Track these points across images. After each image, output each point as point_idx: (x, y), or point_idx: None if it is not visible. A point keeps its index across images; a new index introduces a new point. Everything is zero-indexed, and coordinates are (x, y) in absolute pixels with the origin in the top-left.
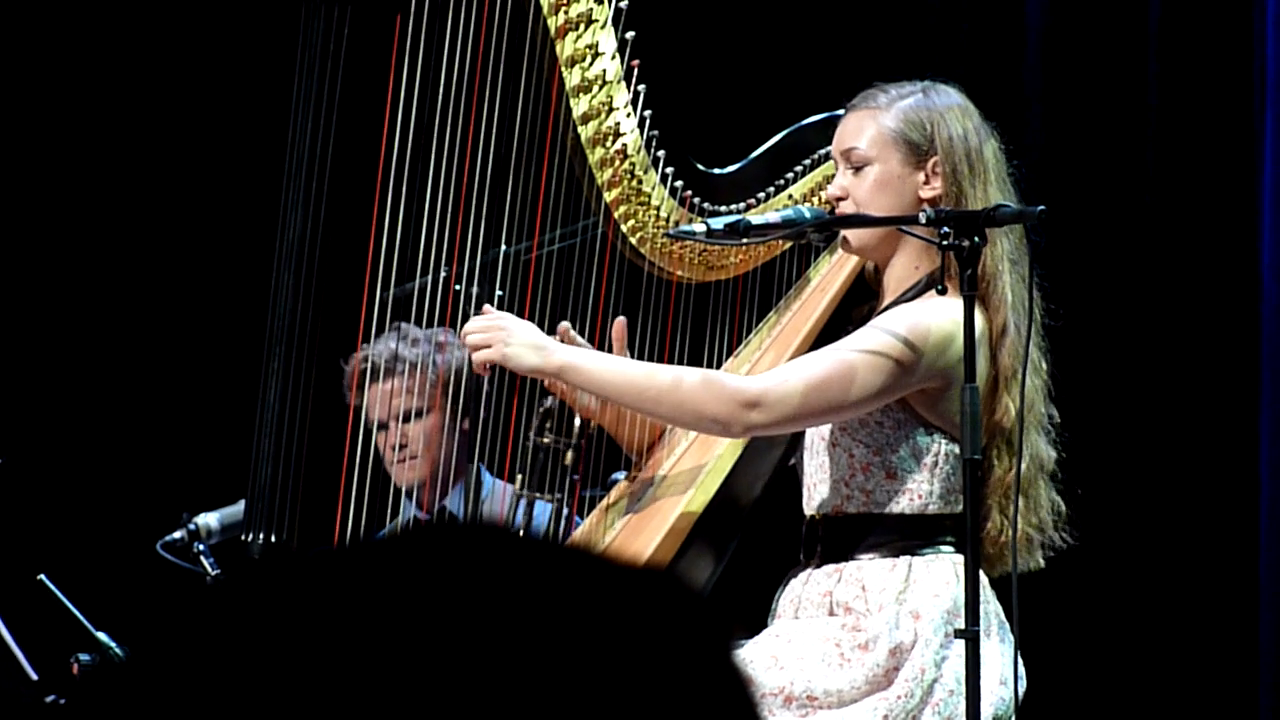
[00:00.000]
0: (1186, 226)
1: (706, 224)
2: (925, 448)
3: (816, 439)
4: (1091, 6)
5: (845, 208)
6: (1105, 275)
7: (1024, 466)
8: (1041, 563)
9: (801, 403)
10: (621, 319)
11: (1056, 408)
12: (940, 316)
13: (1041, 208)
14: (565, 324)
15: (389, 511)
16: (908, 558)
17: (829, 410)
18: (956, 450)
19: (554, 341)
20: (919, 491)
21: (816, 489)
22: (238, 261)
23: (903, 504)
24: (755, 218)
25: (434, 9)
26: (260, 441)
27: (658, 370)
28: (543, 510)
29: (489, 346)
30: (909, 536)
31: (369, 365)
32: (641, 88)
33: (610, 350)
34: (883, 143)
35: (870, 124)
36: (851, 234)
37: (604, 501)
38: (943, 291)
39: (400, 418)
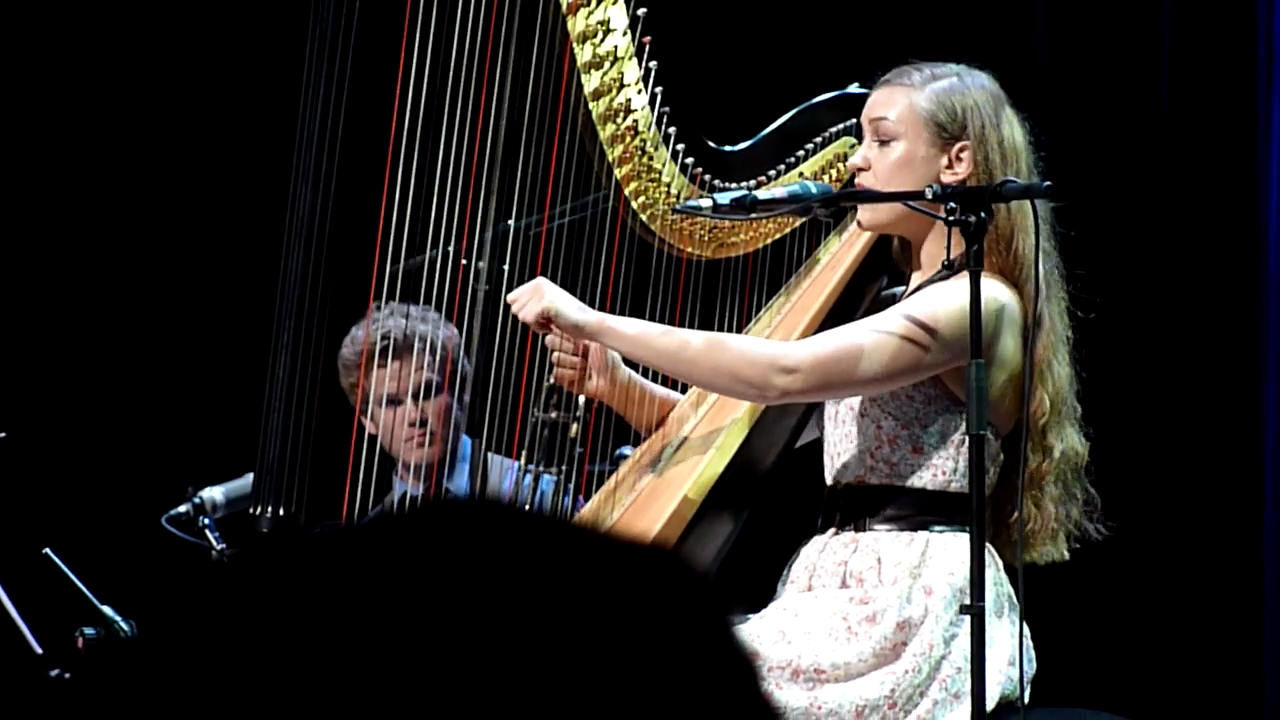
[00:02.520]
0: (1192, 220)
1: (713, 199)
2: (953, 425)
3: (844, 408)
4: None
5: (865, 178)
6: (1110, 267)
7: (1056, 457)
8: (1066, 554)
9: (837, 371)
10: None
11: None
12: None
13: (1049, 183)
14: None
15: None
16: (926, 533)
17: (862, 382)
18: (987, 433)
19: (582, 304)
20: (943, 468)
21: (840, 458)
22: (247, 237)
23: (925, 479)
24: (762, 193)
25: None
26: (269, 415)
27: (693, 333)
28: (548, 485)
29: (533, 300)
30: (929, 512)
31: (389, 340)
32: (653, 64)
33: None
34: (912, 120)
35: (903, 99)
36: (862, 208)
37: (612, 478)
38: (949, 266)
39: (420, 394)
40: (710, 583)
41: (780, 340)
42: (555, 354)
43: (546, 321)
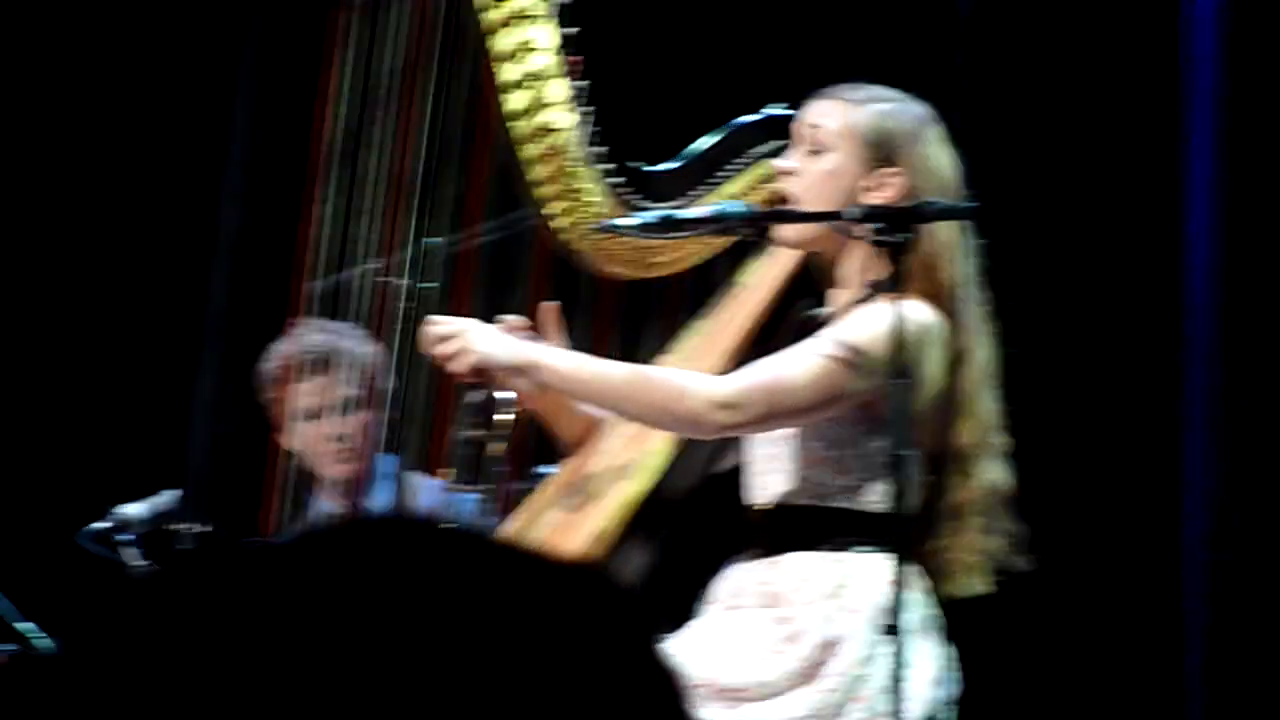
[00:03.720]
0: (1117, 257)
1: (637, 218)
2: (878, 447)
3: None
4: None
5: (789, 184)
6: (1040, 302)
7: (979, 487)
8: (987, 587)
9: (774, 404)
10: (555, 304)
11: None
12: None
13: (973, 203)
14: (555, 304)
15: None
16: (849, 554)
17: (798, 413)
18: (908, 453)
19: (510, 339)
20: (868, 489)
21: (764, 478)
22: (173, 252)
23: (850, 500)
24: (685, 212)
25: (370, 3)
26: (192, 431)
27: (627, 368)
28: (470, 504)
29: (461, 353)
30: (853, 533)
31: (313, 356)
32: (580, 84)
33: (543, 335)
34: (848, 134)
35: (841, 112)
36: (783, 226)
37: (534, 496)
38: (876, 287)
39: (341, 410)
40: (634, 599)
41: (704, 364)
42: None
43: (480, 372)
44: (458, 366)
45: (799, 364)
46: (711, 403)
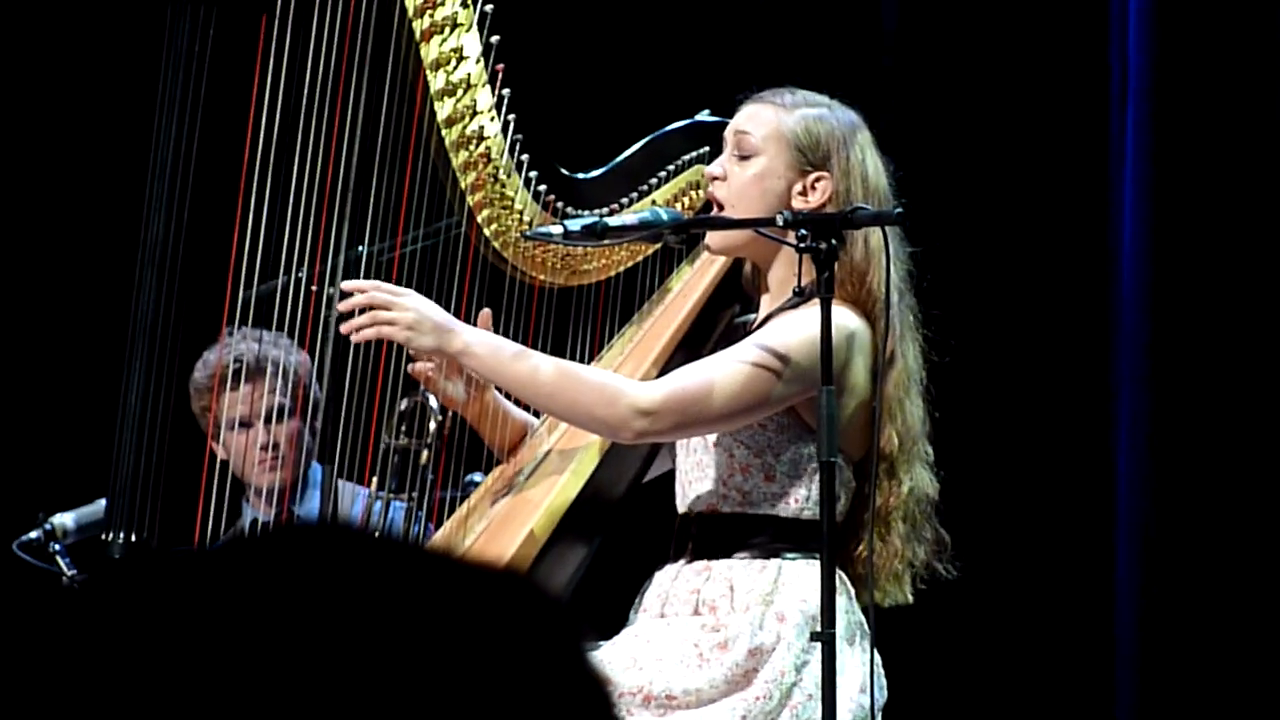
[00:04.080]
0: (1044, 263)
1: (565, 225)
2: (805, 453)
3: (696, 438)
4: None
5: (718, 189)
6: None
7: (904, 494)
8: (910, 597)
9: (693, 411)
10: (487, 310)
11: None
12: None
13: (899, 210)
14: (488, 311)
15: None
16: (778, 560)
17: (717, 420)
18: (839, 460)
19: (455, 321)
20: (796, 496)
21: (692, 486)
22: (100, 259)
23: (778, 507)
24: (613, 220)
25: (299, 10)
26: (121, 440)
27: (556, 365)
28: (398, 512)
29: (391, 324)
30: (782, 540)
31: (241, 364)
32: (506, 91)
33: None
34: (777, 139)
35: (770, 117)
36: (712, 233)
37: (464, 504)
38: (800, 293)
39: (272, 418)
40: (562, 607)
41: (632, 370)
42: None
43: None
44: (369, 333)
45: (719, 370)
46: (631, 408)
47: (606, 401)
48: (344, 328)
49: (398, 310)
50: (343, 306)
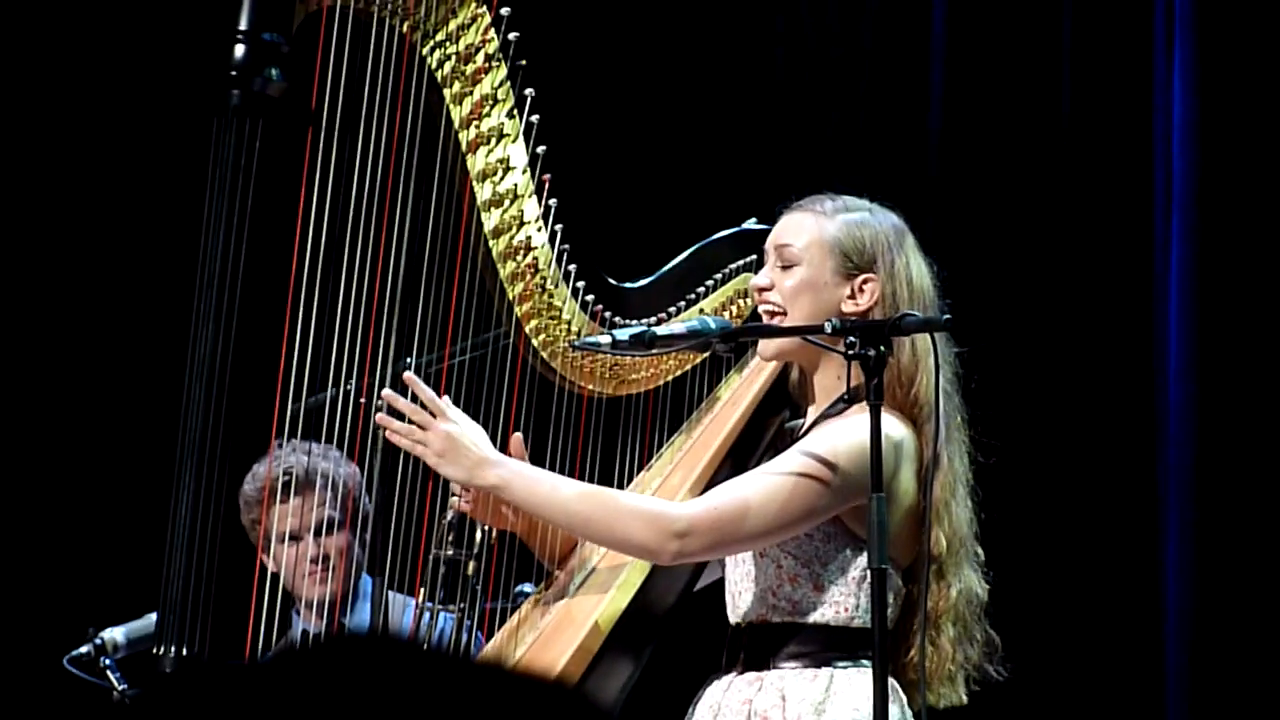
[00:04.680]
0: (1090, 362)
1: (613, 335)
2: (853, 561)
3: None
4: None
5: (769, 298)
6: (1010, 411)
7: (954, 597)
8: (965, 698)
9: (731, 530)
10: (518, 435)
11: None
12: (866, 434)
13: (948, 316)
14: (518, 435)
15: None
16: (830, 669)
17: (758, 536)
18: (886, 566)
19: (494, 453)
20: (845, 605)
21: (742, 597)
22: (149, 374)
23: (828, 616)
24: (661, 329)
25: (345, 122)
26: (171, 554)
27: (590, 492)
28: (447, 622)
29: (423, 444)
30: (832, 648)
31: (291, 477)
32: (552, 202)
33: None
34: (819, 247)
35: (812, 225)
36: (761, 341)
37: (515, 615)
38: (848, 399)
39: (321, 531)
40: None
41: (682, 479)
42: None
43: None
44: (404, 445)
45: (758, 487)
46: (668, 531)
47: (643, 524)
48: (386, 431)
49: (432, 433)
50: (380, 419)
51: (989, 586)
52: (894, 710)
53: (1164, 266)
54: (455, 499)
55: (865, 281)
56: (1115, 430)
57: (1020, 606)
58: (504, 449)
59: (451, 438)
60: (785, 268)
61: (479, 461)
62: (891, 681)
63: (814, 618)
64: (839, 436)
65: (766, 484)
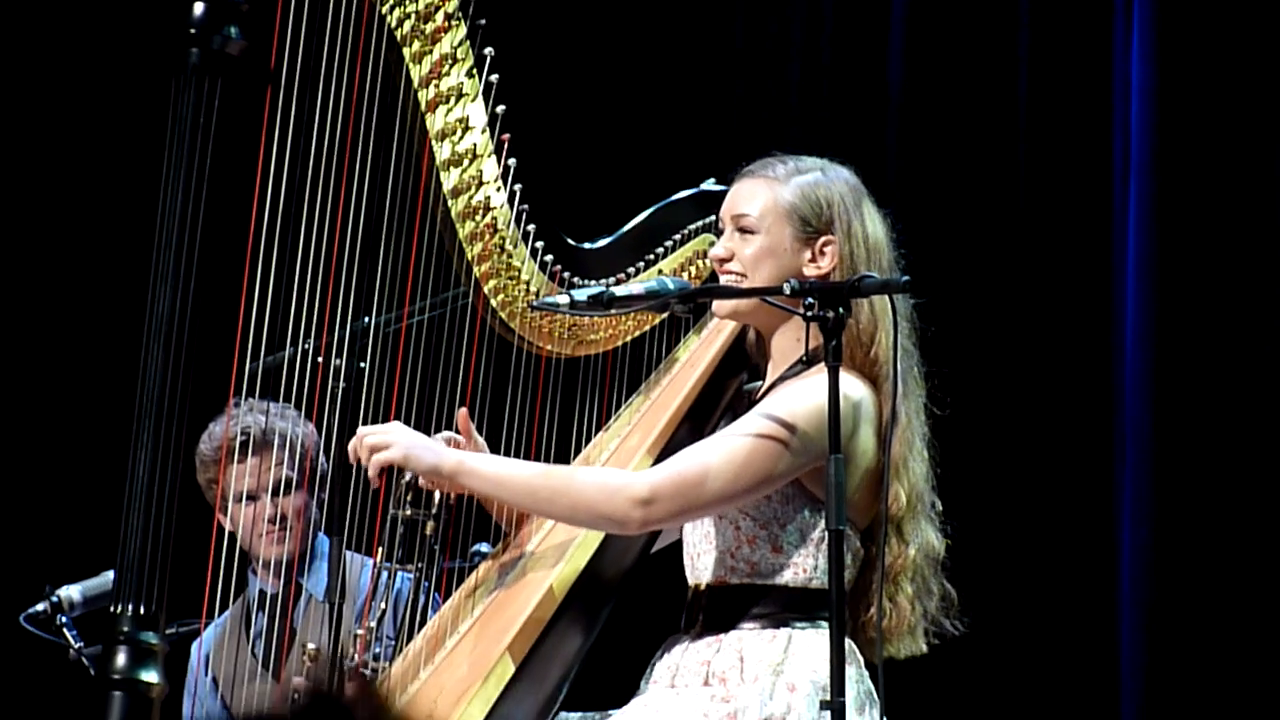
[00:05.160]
0: (1046, 316)
1: (571, 295)
2: (812, 523)
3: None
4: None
5: (731, 268)
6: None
7: (913, 553)
8: (924, 647)
9: (694, 495)
10: (463, 410)
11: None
12: (825, 395)
13: (906, 278)
14: (464, 411)
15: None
16: (788, 630)
17: (721, 500)
18: (844, 527)
19: (442, 445)
20: (804, 566)
21: (700, 559)
22: (106, 334)
23: (786, 577)
24: (619, 289)
25: (305, 82)
26: (129, 512)
27: (550, 471)
28: (403, 583)
29: (385, 448)
30: (791, 610)
31: (248, 437)
32: (512, 162)
33: (458, 440)
34: (775, 215)
35: (765, 193)
36: (719, 302)
37: (472, 576)
38: (807, 360)
39: (279, 491)
40: None
41: (640, 440)
42: None
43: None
44: (376, 460)
45: (719, 452)
46: (632, 500)
47: (606, 496)
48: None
49: (390, 439)
50: (352, 459)
51: (947, 540)
52: (851, 671)
53: (1122, 230)
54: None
55: (825, 245)
56: (1072, 383)
57: (977, 560)
58: (472, 413)
59: (407, 434)
60: (744, 236)
61: (438, 448)
62: (849, 643)
63: (773, 579)
64: (798, 399)
65: (727, 448)
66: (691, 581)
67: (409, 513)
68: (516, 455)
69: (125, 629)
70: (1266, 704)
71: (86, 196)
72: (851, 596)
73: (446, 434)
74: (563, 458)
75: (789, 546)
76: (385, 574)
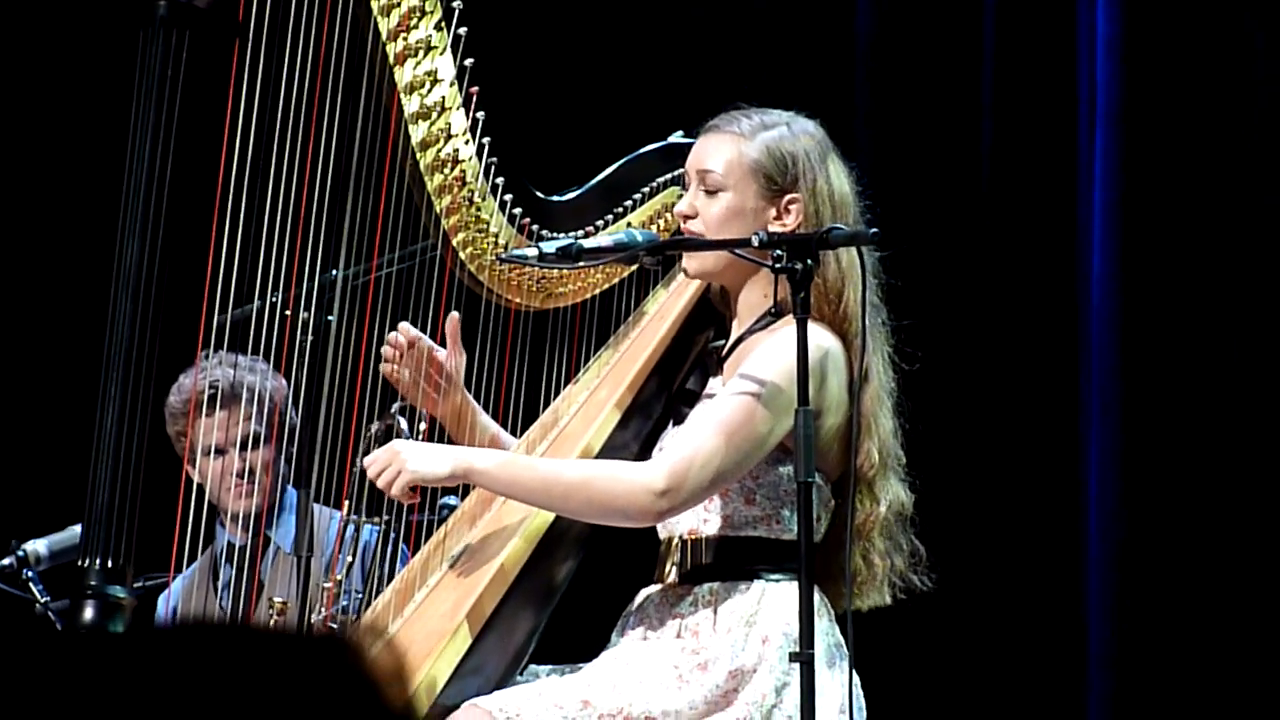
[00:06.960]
0: (1013, 270)
1: (540, 248)
2: (785, 476)
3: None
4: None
5: (693, 226)
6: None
7: (883, 509)
8: (889, 599)
9: (706, 475)
10: (455, 314)
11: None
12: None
13: (875, 230)
14: (455, 315)
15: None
16: (760, 582)
17: (729, 475)
18: (817, 480)
19: (447, 447)
20: (777, 517)
21: None
22: (73, 284)
23: (760, 529)
24: (588, 242)
25: (273, 33)
26: (96, 465)
27: (564, 467)
28: (371, 535)
29: (396, 473)
30: (762, 561)
31: (217, 390)
32: (480, 114)
33: (445, 346)
34: (741, 171)
35: (730, 148)
36: (689, 256)
37: (442, 528)
38: (774, 313)
39: (248, 444)
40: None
41: (608, 394)
42: (386, 365)
43: (416, 488)
44: (396, 489)
45: (718, 428)
46: (648, 491)
47: (624, 491)
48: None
49: (398, 458)
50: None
51: (914, 495)
52: (821, 624)
53: (1088, 177)
54: (395, 406)
55: (790, 203)
56: (1038, 335)
57: (944, 515)
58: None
59: (413, 447)
60: (710, 193)
61: (442, 453)
62: (820, 596)
63: (745, 531)
64: (773, 358)
65: (725, 423)
66: (663, 534)
67: None
68: (485, 409)
69: (93, 583)
70: (1235, 654)
71: (54, 149)
72: (823, 548)
73: (403, 327)
74: (531, 410)
75: (762, 499)
76: (352, 527)
